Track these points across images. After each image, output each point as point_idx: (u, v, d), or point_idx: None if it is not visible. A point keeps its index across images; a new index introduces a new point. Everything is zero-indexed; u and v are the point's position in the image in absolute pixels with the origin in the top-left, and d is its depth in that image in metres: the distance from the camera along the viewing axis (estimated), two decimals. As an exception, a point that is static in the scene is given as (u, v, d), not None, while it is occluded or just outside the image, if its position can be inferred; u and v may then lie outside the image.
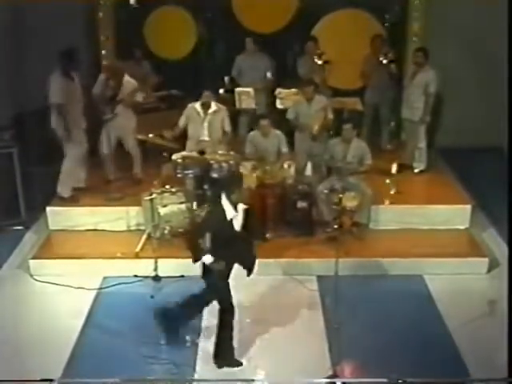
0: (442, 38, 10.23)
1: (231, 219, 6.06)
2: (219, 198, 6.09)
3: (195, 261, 6.15)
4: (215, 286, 6.22)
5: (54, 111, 8.49)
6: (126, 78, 8.90)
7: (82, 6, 10.50)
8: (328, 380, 5.47)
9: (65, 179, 8.76)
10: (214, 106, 8.65)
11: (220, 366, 6.33)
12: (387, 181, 8.82)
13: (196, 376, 6.22)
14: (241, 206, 6.09)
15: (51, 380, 4.39)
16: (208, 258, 6.01)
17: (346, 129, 8.23)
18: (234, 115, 10.00)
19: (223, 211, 6.03)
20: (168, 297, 7.07)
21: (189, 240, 6.62)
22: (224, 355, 6.35)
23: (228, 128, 8.77)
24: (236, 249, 6.12)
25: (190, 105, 8.73)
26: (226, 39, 11.24)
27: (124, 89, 8.82)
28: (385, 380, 4.37)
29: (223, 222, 6.04)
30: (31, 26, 9.86)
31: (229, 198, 6.02)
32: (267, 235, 8.14)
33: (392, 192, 8.77)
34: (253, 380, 6.10)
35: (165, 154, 8.33)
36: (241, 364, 6.35)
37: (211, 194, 7.81)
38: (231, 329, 6.28)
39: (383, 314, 7.09)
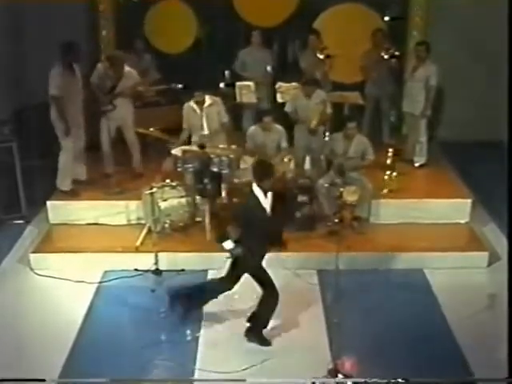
0: (443, 32, 10.21)
1: (263, 205, 6.29)
2: (250, 186, 6.35)
3: (219, 242, 6.45)
4: (247, 269, 6.46)
5: (53, 104, 8.47)
6: (127, 68, 8.86)
7: (83, 2, 10.50)
8: (315, 380, 5.48)
9: (63, 173, 8.74)
10: (208, 100, 8.60)
11: (250, 340, 6.58)
12: (385, 177, 8.79)
13: (196, 372, 6.20)
14: (270, 193, 6.33)
15: (43, 380, 4.38)
16: (228, 244, 6.35)
17: (350, 127, 8.20)
18: (238, 109, 10.00)
19: (257, 198, 6.26)
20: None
21: (220, 222, 6.93)
22: (258, 333, 6.56)
23: (225, 119, 8.72)
24: (266, 231, 6.36)
25: (186, 104, 8.68)
26: (227, 33, 11.21)
27: (125, 80, 8.80)
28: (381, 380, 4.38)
29: (258, 207, 6.27)
30: (31, 21, 9.84)
31: (260, 185, 6.24)
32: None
33: (385, 191, 8.73)
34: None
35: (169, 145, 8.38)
36: (270, 344, 6.56)
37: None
38: (273, 311, 6.51)
39: (383, 308, 7.09)
